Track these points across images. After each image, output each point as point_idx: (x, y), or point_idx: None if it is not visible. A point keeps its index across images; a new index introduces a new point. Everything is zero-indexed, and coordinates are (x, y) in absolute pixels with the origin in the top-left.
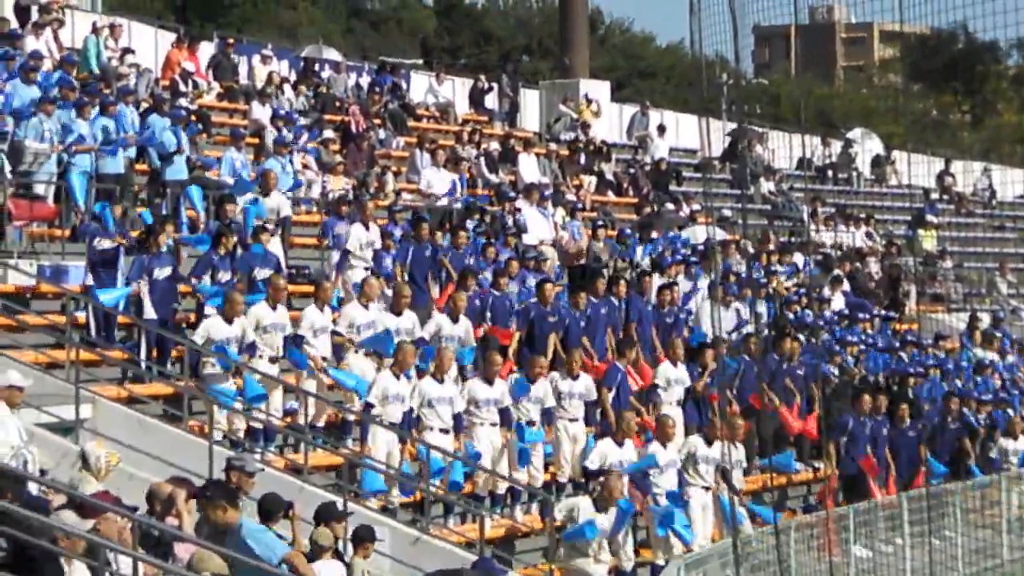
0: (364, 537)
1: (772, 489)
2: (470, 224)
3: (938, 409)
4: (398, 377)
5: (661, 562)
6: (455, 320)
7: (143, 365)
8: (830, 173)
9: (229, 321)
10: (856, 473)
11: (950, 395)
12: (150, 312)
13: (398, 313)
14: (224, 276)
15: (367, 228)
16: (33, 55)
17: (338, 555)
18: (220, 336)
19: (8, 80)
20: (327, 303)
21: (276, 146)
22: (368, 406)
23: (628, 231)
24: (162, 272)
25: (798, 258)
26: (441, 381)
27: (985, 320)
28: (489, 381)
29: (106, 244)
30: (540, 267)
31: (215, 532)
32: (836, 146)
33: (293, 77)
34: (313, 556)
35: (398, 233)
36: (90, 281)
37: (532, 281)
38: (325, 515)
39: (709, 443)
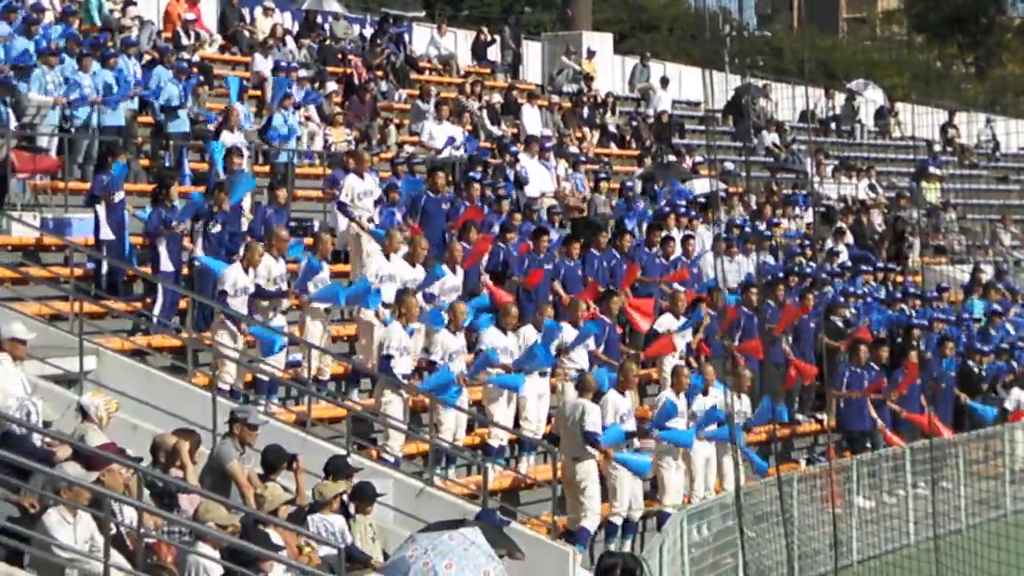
0: (367, 495)
1: (776, 440)
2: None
3: (938, 360)
4: (405, 328)
5: (669, 510)
6: (454, 271)
7: (155, 320)
8: (833, 125)
9: (246, 271)
10: (858, 429)
11: (946, 341)
12: (167, 265)
13: (414, 264)
14: (215, 228)
15: (361, 178)
16: (35, 8)
17: (343, 508)
18: (241, 285)
19: (10, 33)
20: (325, 256)
21: (281, 99)
22: (387, 358)
23: (630, 184)
24: (178, 225)
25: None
26: (455, 333)
27: (988, 272)
28: (504, 331)
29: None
30: (552, 220)
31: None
32: (839, 98)
33: (296, 29)
34: (315, 508)
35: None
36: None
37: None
38: (335, 469)
39: (704, 393)
